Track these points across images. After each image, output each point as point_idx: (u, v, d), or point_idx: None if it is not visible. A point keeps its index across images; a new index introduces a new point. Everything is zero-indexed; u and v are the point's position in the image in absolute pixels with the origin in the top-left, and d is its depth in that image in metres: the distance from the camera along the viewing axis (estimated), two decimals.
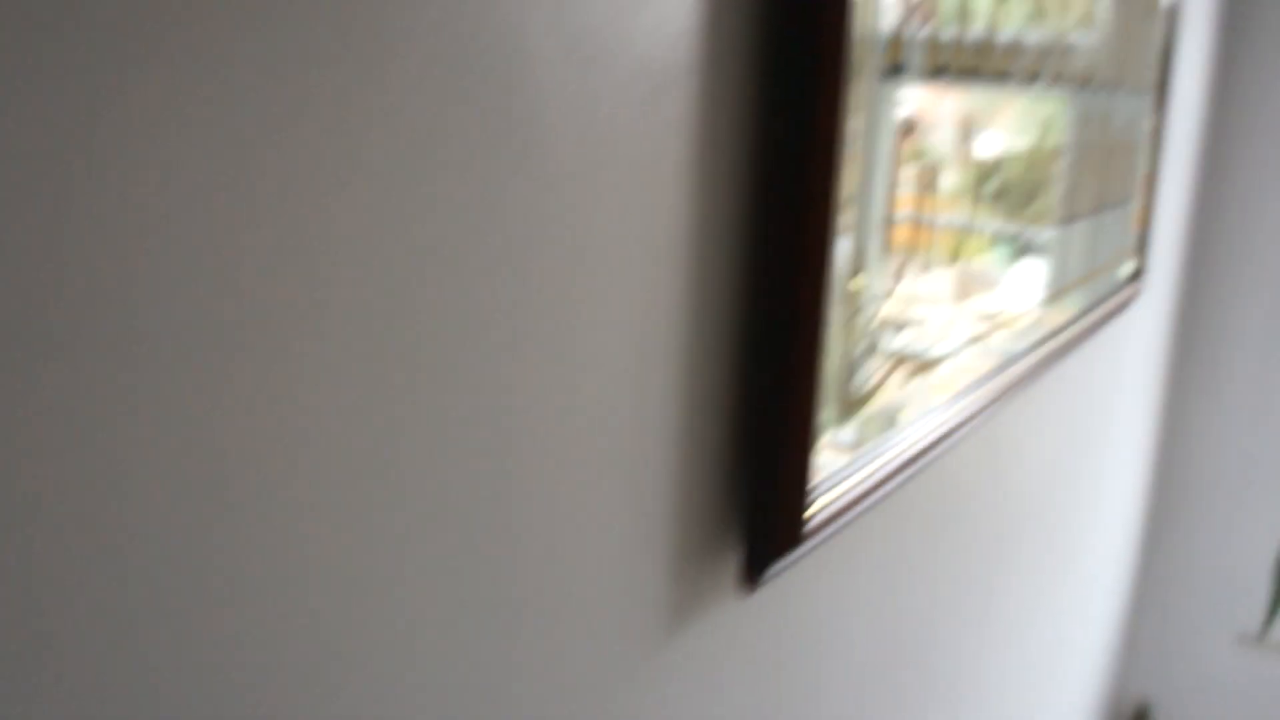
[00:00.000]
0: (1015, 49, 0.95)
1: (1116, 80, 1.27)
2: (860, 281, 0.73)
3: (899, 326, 0.83)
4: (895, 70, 0.73)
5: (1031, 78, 1.00)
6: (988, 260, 1.00)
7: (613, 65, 0.53)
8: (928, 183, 0.83)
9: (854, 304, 0.73)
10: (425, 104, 0.44)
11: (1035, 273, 1.14)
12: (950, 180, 0.87)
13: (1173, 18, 1.45)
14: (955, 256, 0.92)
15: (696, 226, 0.61)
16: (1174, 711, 2.67)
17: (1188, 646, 2.61)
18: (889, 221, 0.76)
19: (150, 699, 0.37)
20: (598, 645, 0.60)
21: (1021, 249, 1.08)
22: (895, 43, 0.72)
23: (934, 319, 0.91)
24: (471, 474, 0.49)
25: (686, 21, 0.57)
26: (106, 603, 0.35)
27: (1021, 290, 1.12)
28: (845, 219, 0.68)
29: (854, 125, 0.67)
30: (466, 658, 0.51)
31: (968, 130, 0.89)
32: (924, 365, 0.90)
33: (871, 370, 0.80)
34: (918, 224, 0.82)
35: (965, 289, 0.96)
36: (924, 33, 0.76)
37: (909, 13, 0.73)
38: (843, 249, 0.69)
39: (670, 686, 0.68)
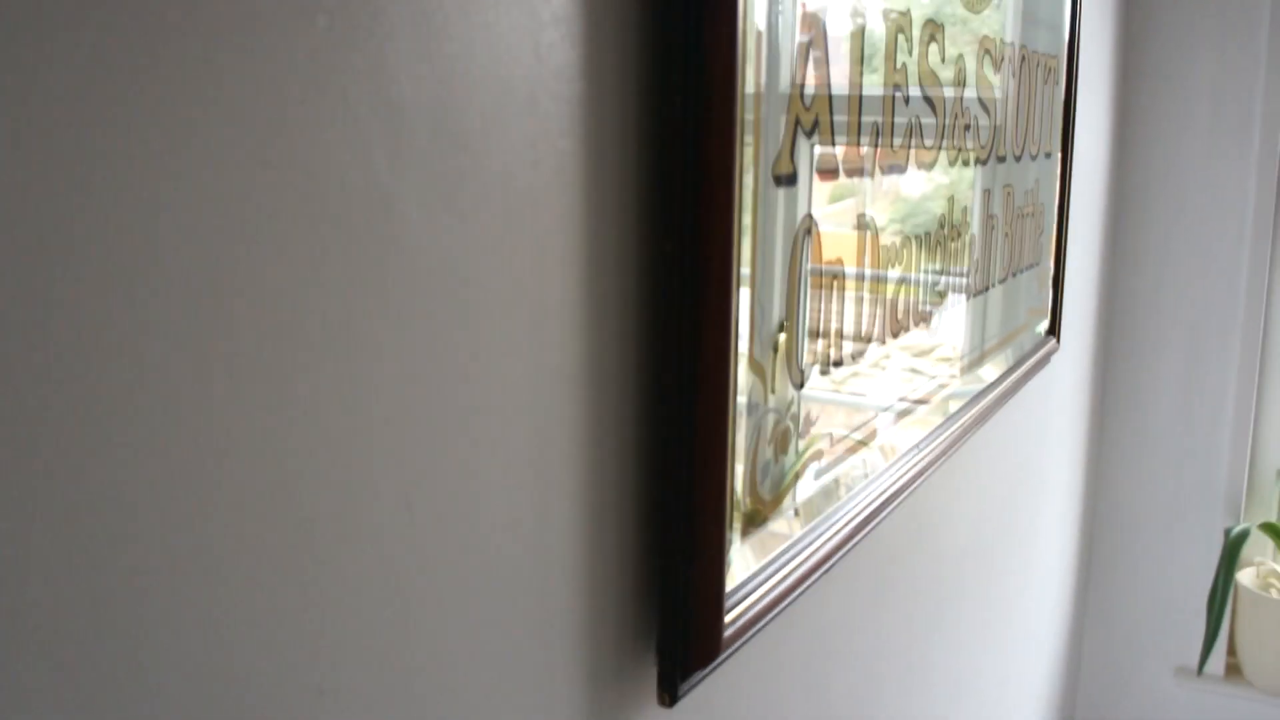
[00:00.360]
0: (917, 126, 0.96)
1: (1020, 149, 1.30)
2: (759, 364, 0.73)
3: (807, 389, 0.83)
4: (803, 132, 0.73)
5: (936, 154, 1.02)
6: (910, 306, 1.01)
7: (484, 166, 0.53)
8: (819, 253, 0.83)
9: (772, 370, 0.73)
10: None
11: (956, 334, 1.16)
12: (843, 250, 0.87)
13: (1071, 82, 1.49)
14: (878, 302, 0.93)
15: (590, 317, 0.60)
16: None
17: (1129, 680, 2.65)
18: (802, 275, 0.76)
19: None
20: None
21: (941, 301, 1.10)
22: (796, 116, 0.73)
23: (862, 363, 0.91)
24: (367, 602, 0.49)
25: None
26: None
27: (945, 343, 1.13)
28: (749, 272, 0.68)
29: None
30: None
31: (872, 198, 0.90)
32: (856, 432, 0.91)
33: (795, 453, 0.80)
34: (833, 276, 0.83)
35: (892, 331, 0.97)
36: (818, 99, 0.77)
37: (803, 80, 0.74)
38: (748, 302, 0.68)
39: None
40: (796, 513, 0.83)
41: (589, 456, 0.62)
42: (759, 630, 0.75)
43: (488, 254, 0.53)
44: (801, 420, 0.80)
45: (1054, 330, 1.55)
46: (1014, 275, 1.34)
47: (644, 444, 0.66)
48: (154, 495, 0.38)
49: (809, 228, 0.77)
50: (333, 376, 0.45)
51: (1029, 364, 1.42)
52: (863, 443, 0.95)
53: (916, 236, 1.00)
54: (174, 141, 0.37)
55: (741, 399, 0.69)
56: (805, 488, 0.84)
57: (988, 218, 1.21)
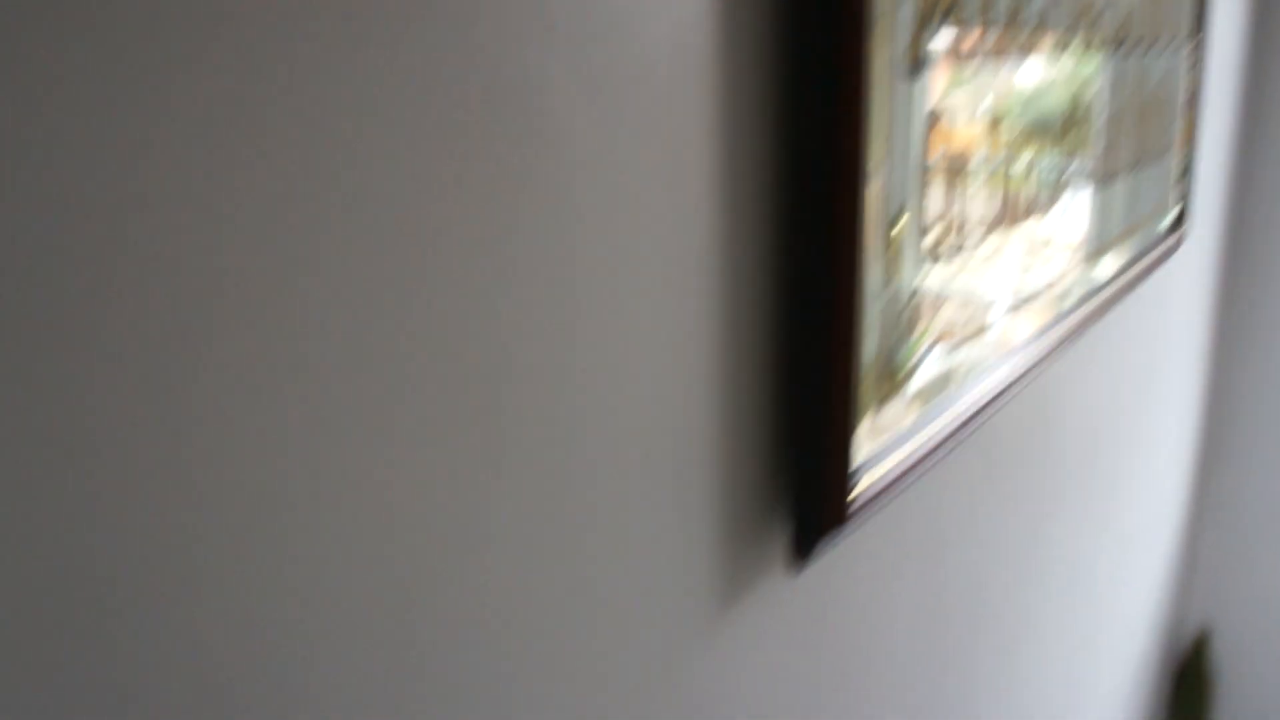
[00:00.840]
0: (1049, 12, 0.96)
1: (1151, 36, 1.28)
2: (902, 228, 0.76)
3: (935, 273, 0.86)
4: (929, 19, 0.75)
5: (1065, 40, 1.02)
6: (1031, 195, 1.02)
7: (628, 53, 0.57)
8: (965, 120, 0.85)
9: (895, 257, 0.76)
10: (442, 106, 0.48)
11: (1077, 225, 1.16)
12: (984, 123, 0.88)
13: None
14: (997, 191, 0.94)
15: (726, 207, 0.64)
16: (1234, 636, 2.69)
17: (1246, 573, 2.63)
18: (924, 165, 0.79)
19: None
20: (651, 625, 0.65)
21: (1062, 191, 1.10)
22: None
23: (975, 260, 0.92)
24: (530, 472, 0.54)
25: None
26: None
27: (1065, 234, 1.13)
28: (877, 163, 0.70)
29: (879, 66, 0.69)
30: (526, 641, 0.57)
31: (1003, 86, 0.91)
32: (971, 320, 0.93)
33: (916, 338, 0.83)
34: (955, 167, 0.85)
35: (1010, 220, 0.97)
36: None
37: None
38: (876, 193, 0.71)
39: (720, 664, 0.73)
40: (918, 395, 0.86)
41: (728, 331, 0.66)
42: (883, 504, 0.79)
43: (631, 140, 0.56)
44: (924, 305, 0.83)
45: (1180, 225, 1.53)
46: (1140, 167, 1.32)
47: (779, 321, 0.70)
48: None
49: (935, 115, 0.79)
50: (493, 246, 0.50)
51: (1152, 258, 1.41)
52: (981, 331, 0.97)
53: (1041, 125, 1.00)
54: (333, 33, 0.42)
55: (870, 281, 0.72)
56: (927, 371, 0.87)
57: (1116, 107, 1.19)
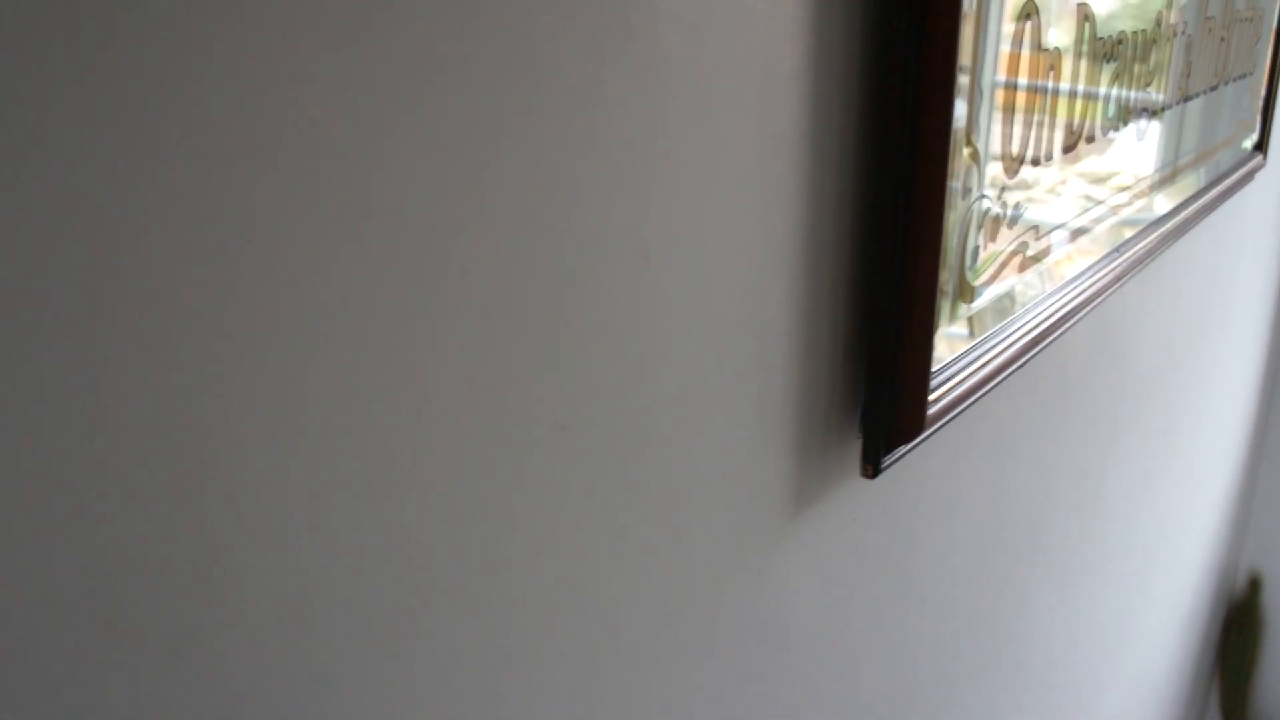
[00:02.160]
0: None
1: None
2: (974, 147, 0.73)
3: (1010, 191, 0.83)
4: None
5: None
6: (1100, 123, 0.98)
7: None
8: (1036, 43, 0.81)
9: (968, 174, 0.74)
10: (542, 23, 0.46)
11: (1149, 146, 1.12)
12: (1060, 40, 0.85)
13: None
14: (1067, 118, 0.90)
15: (812, 111, 0.62)
16: None
17: None
18: (998, 85, 0.76)
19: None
20: (727, 528, 0.65)
21: (1133, 115, 1.06)
22: None
23: (1047, 181, 0.90)
24: (609, 370, 0.53)
25: None
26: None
27: (1136, 158, 1.10)
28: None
29: None
30: (608, 539, 0.56)
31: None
32: (1041, 241, 0.91)
33: (989, 253, 0.81)
34: (1029, 88, 0.82)
35: (1076, 152, 0.94)
36: None
37: None
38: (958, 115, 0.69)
39: (792, 566, 0.72)
40: (985, 312, 0.84)
41: (809, 232, 0.64)
42: (953, 417, 0.78)
43: (728, 36, 0.54)
44: (1009, 211, 0.81)
45: (1262, 146, 1.47)
46: (1223, 84, 1.27)
47: (860, 224, 0.68)
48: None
49: (1029, 14, 0.75)
50: (584, 141, 0.49)
51: (1231, 180, 1.37)
52: (1046, 254, 0.94)
53: (1118, 45, 0.96)
54: None
55: (955, 182, 0.70)
56: (993, 291, 0.85)
57: (1204, 19, 1.15)
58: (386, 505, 0.43)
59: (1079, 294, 0.99)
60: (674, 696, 0.64)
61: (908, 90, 0.64)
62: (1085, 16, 0.86)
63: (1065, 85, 0.87)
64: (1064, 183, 0.93)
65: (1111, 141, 1.00)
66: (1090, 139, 0.95)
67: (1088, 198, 0.99)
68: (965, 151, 0.73)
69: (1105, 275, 1.05)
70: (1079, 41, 0.86)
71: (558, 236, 0.48)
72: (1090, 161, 0.97)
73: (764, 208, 0.60)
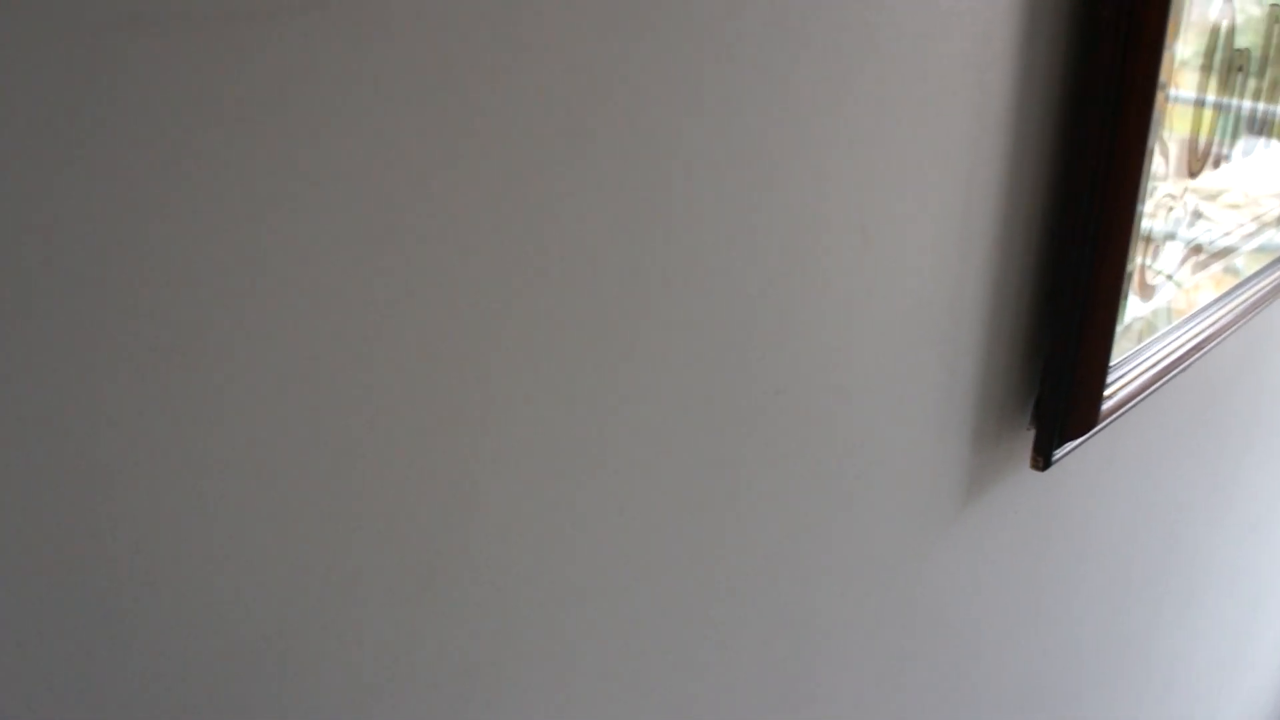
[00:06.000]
0: None
1: None
2: (1164, 143, 0.73)
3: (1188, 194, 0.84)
4: None
5: None
6: (1215, 137, 0.96)
7: None
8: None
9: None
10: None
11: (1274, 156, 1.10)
12: (1183, 51, 0.84)
13: None
14: (1189, 130, 0.89)
15: (1017, 102, 0.64)
16: None
17: None
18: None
19: None
20: (905, 508, 0.67)
21: (1252, 127, 1.03)
22: None
23: (1180, 201, 0.89)
24: (824, 340, 0.56)
25: None
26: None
27: (1260, 172, 1.08)
28: None
29: None
30: (798, 518, 0.59)
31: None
32: (1208, 254, 0.91)
33: (1174, 251, 0.81)
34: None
35: (1190, 166, 0.93)
36: None
37: None
38: None
39: (957, 550, 0.74)
40: (1133, 327, 0.85)
41: (1004, 219, 0.66)
42: (1118, 417, 0.79)
43: (939, 27, 0.57)
44: (1188, 214, 0.82)
45: None
46: None
47: (1051, 213, 0.70)
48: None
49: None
50: (808, 132, 0.51)
51: None
52: (1218, 256, 0.94)
53: (1237, 62, 0.94)
54: None
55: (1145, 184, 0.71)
56: (1133, 309, 0.85)
57: None
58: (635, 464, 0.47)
59: (1237, 306, 0.99)
60: (843, 664, 0.66)
61: (1111, 85, 0.65)
62: (1214, 28, 0.86)
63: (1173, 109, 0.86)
64: (1225, 192, 0.93)
65: (1225, 165, 0.99)
66: (1203, 165, 0.94)
67: (1236, 207, 0.99)
68: (1156, 148, 0.74)
69: (1260, 290, 1.04)
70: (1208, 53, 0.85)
71: (794, 212, 0.51)
72: (1230, 175, 0.96)
73: (967, 192, 0.62)
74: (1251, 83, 0.97)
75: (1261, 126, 1.02)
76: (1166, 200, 0.80)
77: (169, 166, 0.29)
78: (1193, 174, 0.89)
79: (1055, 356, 0.72)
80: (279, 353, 0.33)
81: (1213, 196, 1.00)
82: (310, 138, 0.32)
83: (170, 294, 0.30)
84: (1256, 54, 0.97)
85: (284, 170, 0.31)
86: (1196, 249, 0.91)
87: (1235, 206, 1.02)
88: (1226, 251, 1.02)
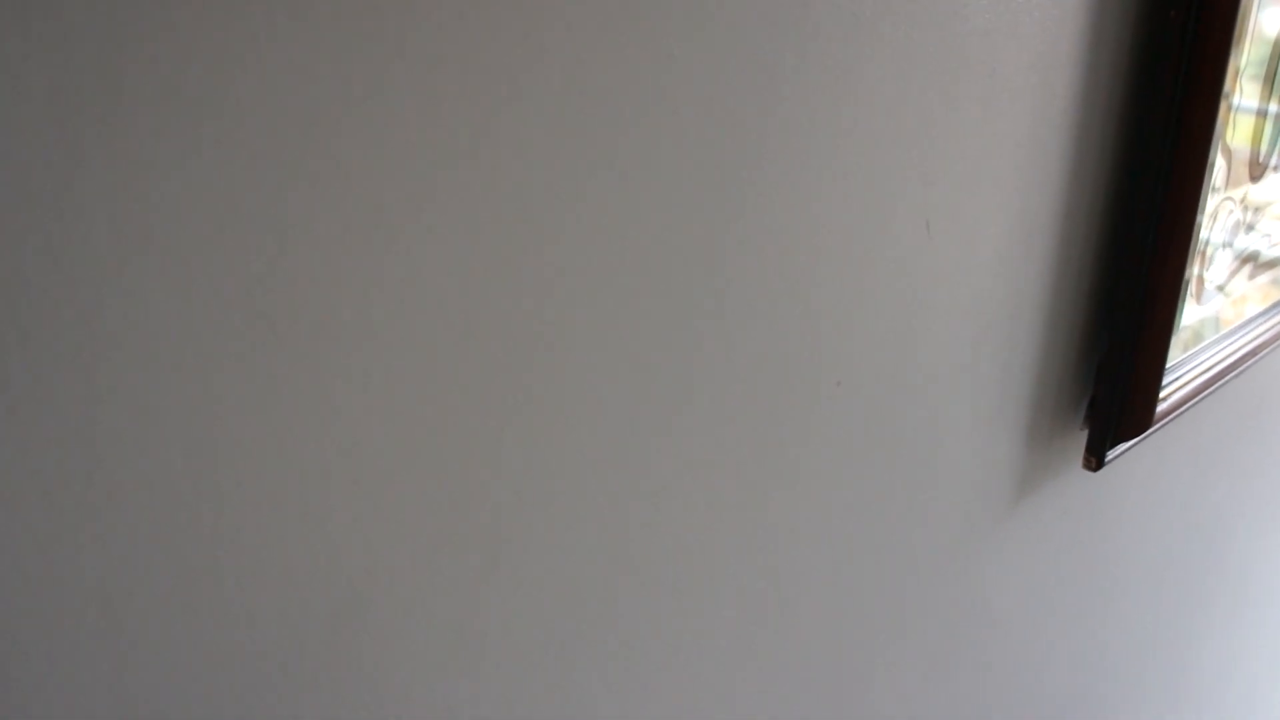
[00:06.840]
0: None
1: None
2: (1228, 146, 0.74)
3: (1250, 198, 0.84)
4: None
5: None
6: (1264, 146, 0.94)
7: None
8: None
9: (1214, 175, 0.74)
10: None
11: None
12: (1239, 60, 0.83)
13: None
14: (1249, 140, 0.89)
15: (1081, 100, 0.64)
16: None
17: None
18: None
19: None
20: (958, 506, 0.67)
21: None
22: None
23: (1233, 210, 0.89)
24: (885, 331, 0.57)
25: None
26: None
27: None
28: None
29: None
30: (854, 505, 0.60)
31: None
32: (1256, 265, 0.91)
33: (1225, 259, 0.81)
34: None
35: (1250, 173, 0.92)
36: None
37: None
38: None
39: (1007, 546, 0.74)
40: (1183, 334, 0.85)
41: (1065, 216, 0.66)
42: (1171, 419, 0.79)
43: (1010, 25, 0.57)
44: (1248, 217, 0.82)
45: None
46: None
47: (1111, 212, 0.70)
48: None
49: None
50: (873, 129, 0.52)
51: None
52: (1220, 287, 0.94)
53: None
54: None
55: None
56: (1232, 290, 0.85)
57: None
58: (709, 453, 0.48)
59: (1264, 333, 0.99)
60: (895, 654, 0.67)
61: (1176, 86, 0.66)
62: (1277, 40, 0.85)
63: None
64: (1273, 203, 0.92)
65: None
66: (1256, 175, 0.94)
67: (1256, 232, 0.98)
68: (1219, 151, 0.74)
69: None
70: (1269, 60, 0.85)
71: (859, 205, 0.52)
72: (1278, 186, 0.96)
73: (1029, 189, 0.63)
74: None
75: None
76: (1225, 205, 0.80)
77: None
78: (1254, 179, 0.89)
79: (1111, 357, 0.73)
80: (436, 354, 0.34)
81: (1262, 207, 1.00)
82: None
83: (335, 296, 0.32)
84: None
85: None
86: (1247, 258, 0.91)
87: None
88: (1276, 263, 1.01)
